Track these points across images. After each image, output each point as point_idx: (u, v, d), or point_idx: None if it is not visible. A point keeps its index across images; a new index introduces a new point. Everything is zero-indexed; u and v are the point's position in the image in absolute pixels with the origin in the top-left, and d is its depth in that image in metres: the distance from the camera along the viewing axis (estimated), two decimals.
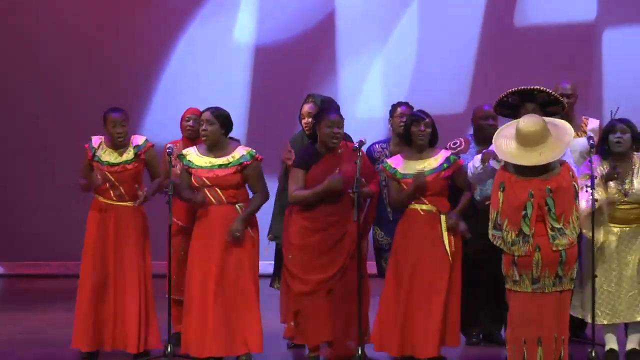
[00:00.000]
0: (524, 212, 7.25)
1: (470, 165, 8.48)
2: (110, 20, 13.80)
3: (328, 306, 8.43)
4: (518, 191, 7.31)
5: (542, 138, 7.31)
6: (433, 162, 8.42)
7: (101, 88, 13.23)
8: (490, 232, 7.42)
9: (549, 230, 7.28)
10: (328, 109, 8.66)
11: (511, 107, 8.40)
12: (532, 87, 8.39)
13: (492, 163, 8.08)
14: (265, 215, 9.00)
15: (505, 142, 7.43)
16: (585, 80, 13.27)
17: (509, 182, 7.32)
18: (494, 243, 7.40)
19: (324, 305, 8.42)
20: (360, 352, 8.23)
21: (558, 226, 7.26)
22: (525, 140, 7.30)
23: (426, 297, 8.35)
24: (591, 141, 8.40)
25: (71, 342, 8.81)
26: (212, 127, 8.44)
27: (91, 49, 13.75)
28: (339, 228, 8.40)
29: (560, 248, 7.27)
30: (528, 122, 7.36)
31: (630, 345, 8.60)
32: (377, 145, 9.30)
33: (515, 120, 7.58)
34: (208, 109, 8.58)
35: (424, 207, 8.36)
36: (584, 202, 7.98)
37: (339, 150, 8.43)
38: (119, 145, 8.72)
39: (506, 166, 7.38)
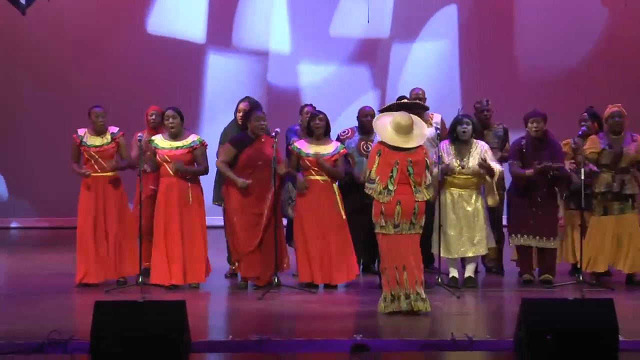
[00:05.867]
0: (390, 174, 8.04)
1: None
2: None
3: (258, 251, 9.25)
4: (389, 159, 8.03)
5: (411, 129, 8.13)
6: (328, 148, 9.35)
7: (109, 87, 13.86)
8: (366, 185, 8.14)
9: (412, 187, 8.03)
10: (256, 108, 9.44)
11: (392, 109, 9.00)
12: (413, 102, 9.20)
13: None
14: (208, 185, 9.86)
15: (384, 128, 8.14)
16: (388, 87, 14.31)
17: (384, 151, 8.07)
18: (367, 192, 8.09)
19: (256, 252, 9.25)
20: (276, 280, 9.13)
21: (415, 185, 8.05)
22: (400, 129, 8.07)
23: (327, 240, 9.23)
24: (437, 131, 9.35)
25: (76, 277, 9.36)
26: (176, 120, 9.33)
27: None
28: (265, 197, 9.20)
29: (419, 199, 8.05)
30: (403, 117, 8.10)
31: (467, 273, 9.47)
32: (297, 127, 10.00)
33: (386, 115, 8.32)
34: (169, 108, 9.40)
35: (321, 178, 9.31)
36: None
37: (262, 140, 9.26)
38: (99, 132, 9.49)
39: (382, 142, 8.12)
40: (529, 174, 9.38)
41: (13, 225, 14.62)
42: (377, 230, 8.18)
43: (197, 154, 9.39)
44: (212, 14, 14.69)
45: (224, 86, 14.27)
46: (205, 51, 14.72)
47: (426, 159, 8.18)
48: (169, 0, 14.75)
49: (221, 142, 9.89)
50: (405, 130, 8.10)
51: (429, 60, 14.60)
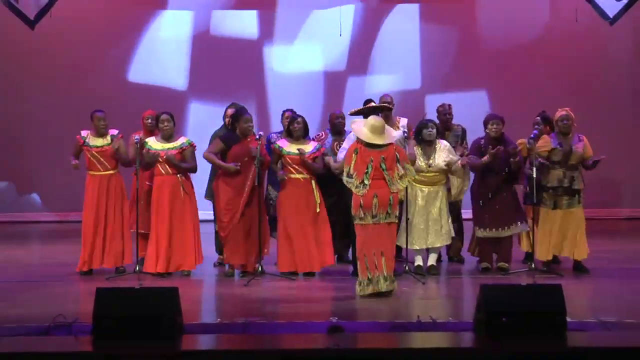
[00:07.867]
0: (366, 170, 8.27)
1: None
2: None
3: (243, 239, 9.35)
4: (365, 156, 8.30)
5: (383, 130, 8.41)
6: (307, 147, 9.51)
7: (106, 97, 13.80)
8: (345, 179, 8.35)
9: (387, 181, 8.25)
10: (244, 112, 9.56)
11: (361, 113, 9.33)
12: (381, 104, 9.33)
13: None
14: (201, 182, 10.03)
15: (360, 129, 8.42)
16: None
17: (360, 150, 8.34)
18: (347, 186, 8.32)
19: (241, 240, 9.36)
20: (260, 268, 9.24)
21: (389, 178, 8.27)
22: (374, 130, 8.34)
23: (305, 232, 9.32)
24: (404, 134, 9.46)
25: (78, 265, 9.49)
26: (169, 124, 9.53)
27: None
28: (249, 190, 9.29)
29: (394, 191, 8.28)
30: (376, 120, 8.44)
31: (430, 262, 9.63)
32: (273, 134, 10.13)
33: (361, 120, 8.64)
34: (163, 112, 9.57)
35: (301, 176, 9.45)
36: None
37: (248, 139, 9.42)
38: (101, 134, 9.64)
39: (359, 142, 8.38)
40: (485, 161, 9.59)
41: (22, 219, 14.63)
42: (356, 222, 8.38)
43: (186, 154, 9.57)
44: (194, 63, 14.79)
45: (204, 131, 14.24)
46: (186, 98, 14.80)
47: (396, 153, 8.45)
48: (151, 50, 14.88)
49: (211, 143, 9.95)
50: (379, 130, 8.42)
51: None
